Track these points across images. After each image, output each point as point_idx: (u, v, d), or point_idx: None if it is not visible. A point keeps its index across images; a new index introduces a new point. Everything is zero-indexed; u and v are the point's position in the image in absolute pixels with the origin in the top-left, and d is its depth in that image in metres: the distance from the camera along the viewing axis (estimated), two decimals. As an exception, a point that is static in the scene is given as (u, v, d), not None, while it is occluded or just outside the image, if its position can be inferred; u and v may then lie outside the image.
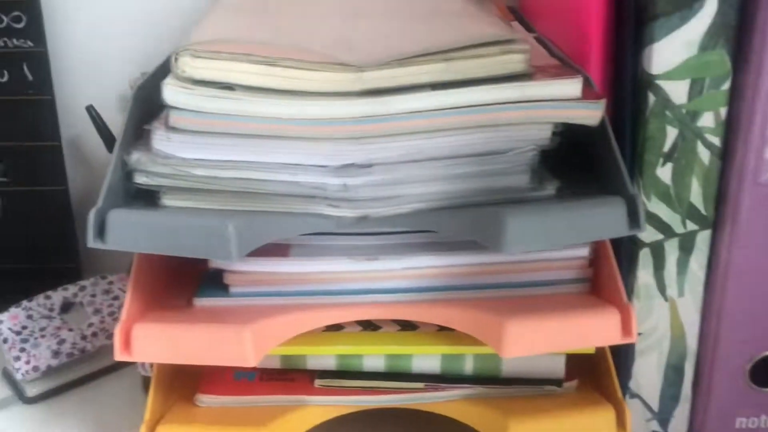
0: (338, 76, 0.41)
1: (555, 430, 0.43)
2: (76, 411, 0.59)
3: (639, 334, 0.50)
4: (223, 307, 0.44)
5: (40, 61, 0.70)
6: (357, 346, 0.45)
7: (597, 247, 0.44)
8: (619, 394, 0.44)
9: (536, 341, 0.40)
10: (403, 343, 0.45)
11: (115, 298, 0.65)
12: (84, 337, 0.62)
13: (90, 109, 0.69)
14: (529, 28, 0.56)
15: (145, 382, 0.59)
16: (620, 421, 0.44)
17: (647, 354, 0.50)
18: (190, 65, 0.40)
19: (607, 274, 0.43)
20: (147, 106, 0.45)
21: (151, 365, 0.58)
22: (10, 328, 0.60)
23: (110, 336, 0.63)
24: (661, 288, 0.48)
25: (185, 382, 0.48)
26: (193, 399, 0.46)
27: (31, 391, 0.60)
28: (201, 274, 0.47)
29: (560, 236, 0.39)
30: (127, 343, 0.40)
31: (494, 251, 0.38)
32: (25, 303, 0.63)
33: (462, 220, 0.41)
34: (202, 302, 0.45)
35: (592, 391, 0.46)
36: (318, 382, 0.47)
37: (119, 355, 0.40)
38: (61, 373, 0.61)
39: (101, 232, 0.39)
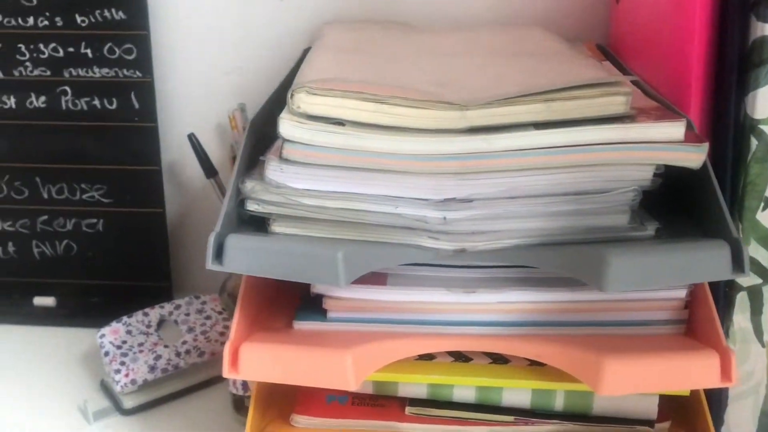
0: (443, 114, 0.43)
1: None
2: (169, 424, 0.62)
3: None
4: (322, 331, 0.46)
5: (146, 90, 0.74)
6: (449, 376, 0.46)
7: (694, 290, 0.44)
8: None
9: (634, 381, 0.40)
10: (494, 376, 0.46)
11: (208, 317, 0.68)
12: (178, 354, 0.64)
13: (191, 137, 0.72)
14: (622, 69, 0.56)
15: (235, 400, 0.61)
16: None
17: (742, 400, 0.49)
18: (305, 101, 0.42)
19: (704, 317, 0.43)
20: (257, 138, 0.48)
21: (243, 384, 0.60)
22: (111, 342, 0.64)
23: (202, 354, 0.66)
24: (758, 333, 0.47)
25: (280, 402, 0.50)
26: (289, 419, 0.48)
27: (128, 403, 0.63)
28: (300, 299, 0.49)
29: (662, 277, 0.39)
30: (234, 362, 0.42)
31: (595, 289, 0.39)
32: (125, 319, 0.66)
33: (563, 257, 0.42)
34: (301, 325, 0.47)
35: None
36: (409, 410, 0.48)
37: (227, 373, 0.43)
38: (156, 387, 0.64)
39: (218, 255, 0.41)
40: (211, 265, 0.41)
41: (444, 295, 0.45)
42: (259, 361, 0.42)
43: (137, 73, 0.74)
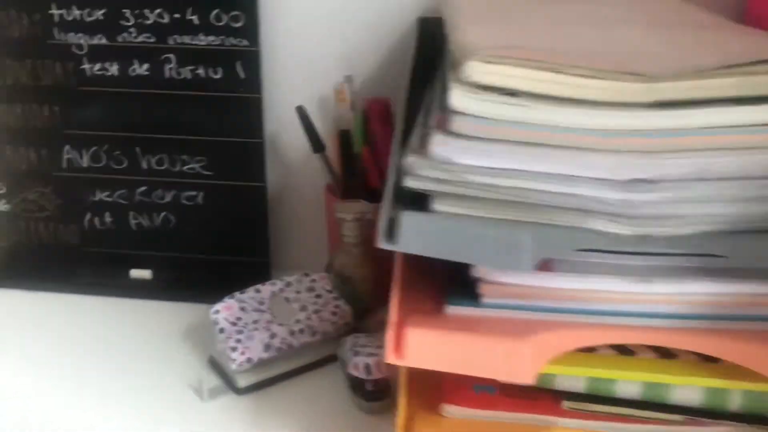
0: (628, 86, 0.39)
1: None
2: (283, 404, 0.60)
3: None
4: (479, 317, 0.43)
5: (253, 60, 0.72)
6: (614, 370, 0.43)
7: None
8: None
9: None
10: (663, 372, 0.43)
11: (318, 296, 0.66)
12: (292, 333, 0.62)
13: (301, 110, 0.70)
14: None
15: (354, 383, 0.59)
16: None
17: None
18: (479, 70, 0.39)
19: None
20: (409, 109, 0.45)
21: (366, 367, 0.58)
22: (226, 319, 0.62)
23: (314, 334, 0.64)
24: None
25: (423, 390, 0.47)
26: (437, 408, 0.45)
27: (242, 381, 0.61)
28: (447, 281, 0.46)
29: None
30: (399, 347, 0.40)
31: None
32: (237, 295, 0.64)
33: (758, 247, 0.38)
34: (454, 310, 0.44)
35: None
36: (567, 405, 0.45)
37: (392, 358, 0.40)
38: (268, 366, 0.62)
39: (390, 233, 0.38)
40: (384, 243, 0.38)
41: (617, 283, 0.42)
42: (427, 346, 0.39)
43: (244, 41, 0.71)
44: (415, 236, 0.38)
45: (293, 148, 0.77)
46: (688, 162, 0.39)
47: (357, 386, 0.59)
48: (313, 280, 0.67)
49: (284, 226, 0.79)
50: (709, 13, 0.53)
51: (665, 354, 0.44)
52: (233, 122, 0.73)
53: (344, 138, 0.71)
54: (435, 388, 0.47)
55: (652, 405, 0.44)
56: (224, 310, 0.63)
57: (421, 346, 0.39)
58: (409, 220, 0.38)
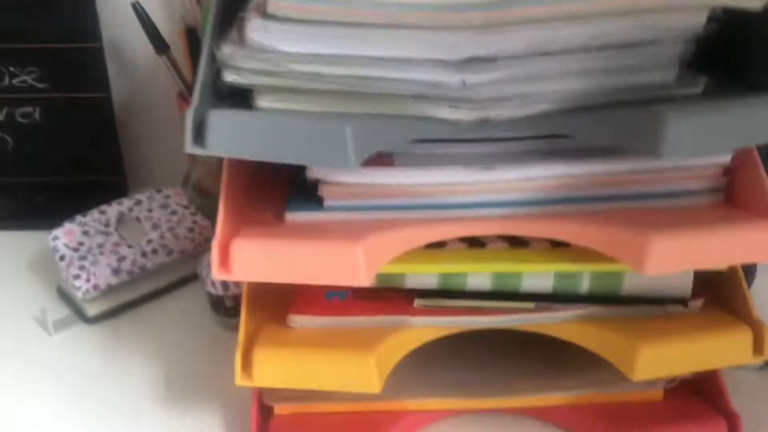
0: (459, -46, 0.35)
1: (689, 352, 0.40)
2: (139, 330, 0.56)
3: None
4: (320, 222, 0.40)
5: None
6: (463, 263, 0.41)
7: (741, 154, 0.39)
8: (755, 313, 0.41)
9: (681, 257, 0.36)
10: (513, 260, 0.41)
11: (173, 213, 0.61)
12: (144, 254, 0.58)
13: (136, 7, 0.62)
14: None
15: (213, 301, 0.56)
16: (758, 342, 0.40)
17: None
18: (291, -60, 0.34)
19: (753, 185, 0.38)
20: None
21: (223, 283, 0.55)
22: (66, 245, 0.57)
23: (170, 253, 0.59)
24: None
25: (272, 301, 0.44)
26: (285, 319, 0.43)
27: (92, 310, 0.57)
28: (289, 187, 0.43)
29: (726, 140, 0.34)
30: (225, 261, 0.36)
31: (650, 157, 0.33)
32: (79, 218, 0.59)
33: (605, 123, 0.36)
34: (294, 216, 0.41)
35: (720, 312, 0.42)
36: (419, 303, 0.43)
37: (217, 274, 0.37)
38: (121, 291, 0.58)
39: (199, 135, 0.34)
40: (191, 147, 0.34)
41: (460, 174, 0.39)
42: (254, 258, 0.36)
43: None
44: (226, 137, 0.33)
45: (139, 54, 0.69)
46: (530, 35, 0.36)
47: (217, 304, 0.56)
48: (167, 196, 0.62)
49: (137, 140, 0.73)
50: None
51: (517, 243, 0.42)
52: (65, 26, 0.65)
53: (191, 36, 0.65)
54: (287, 301, 0.44)
55: (503, 295, 0.43)
56: (63, 235, 0.57)
57: (248, 257, 0.36)
58: (217, 119, 0.33)
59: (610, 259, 0.41)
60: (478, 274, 0.42)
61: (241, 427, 0.45)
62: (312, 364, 0.39)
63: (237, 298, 0.55)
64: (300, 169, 0.40)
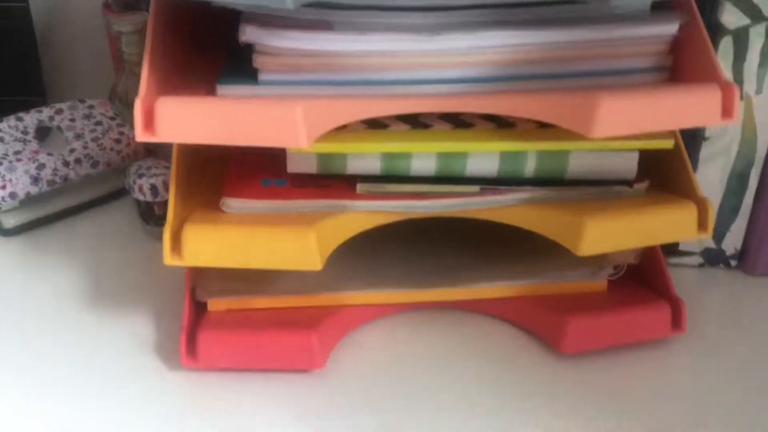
0: None
1: (635, 226, 0.39)
2: (62, 244, 0.53)
3: (706, 138, 0.46)
4: (255, 96, 0.38)
5: None
6: (407, 143, 0.40)
7: (686, 28, 0.38)
8: (700, 191, 0.40)
9: (631, 119, 0.35)
10: (458, 141, 0.40)
11: (98, 123, 0.57)
12: (66, 164, 0.54)
13: None
14: None
15: (142, 209, 0.53)
16: (702, 218, 0.40)
17: (713, 161, 0.46)
18: None
19: (700, 56, 0.38)
20: None
21: (152, 189, 0.52)
22: (-22, 150, 0.52)
23: (95, 164, 0.56)
24: (739, 82, 0.43)
25: (204, 191, 0.42)
26: (218, 205, 0.40)
27: (9, 222, 0.53)
28: (224, 61, 0.40)
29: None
30: (149, 121, 0.33)
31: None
32: (-7, 124, 0.54)
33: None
34: (227, 90, 0.38)
35: (665, 193, 0.42)
36: (360, 187, 0.41)
37: (141, 136, 0.34)
38: (42, 203, 0.54)
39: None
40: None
41: (404, 41, 0.37)
42: (182, 117, 0.33)
43: None
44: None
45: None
46: None
47: (146, 212, 0.53)
48: (91, 107, 0.58)
49: (59, 55, 0.68)
50: None
51: (461, 125, 0.41)
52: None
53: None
54: (220, 188, 0.41)
55: (448, 180, 0.41)
56: (-24, 140, 0.53)
57: (175, 115, 0.33)
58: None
59: (555, 138, 0.40)
60: (423, 157, 0.41)
61: (175, 328, 0.43)
62: (247, 240, 0.37)
63: (166, 205, 0.52)
64: (236, 43, 0.37)
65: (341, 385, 0.41)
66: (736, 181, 0.46)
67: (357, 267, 0.45)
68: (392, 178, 0.41)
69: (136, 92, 0.61)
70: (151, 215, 0.52)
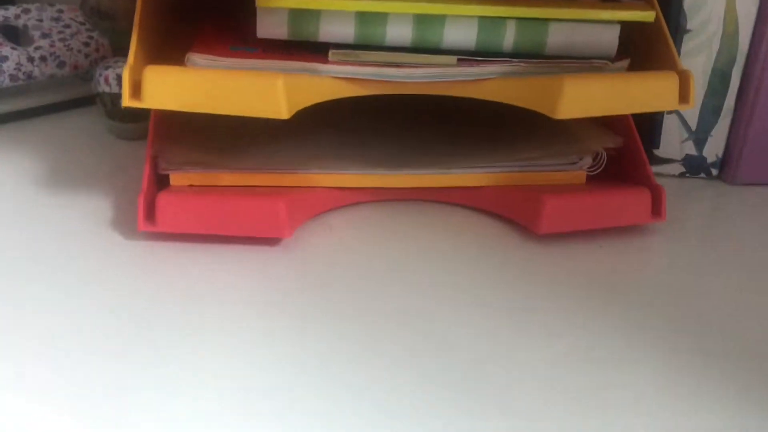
0: None
1: (614, 92, 0.38)
2: (19, 141, 0.50)
3: (688, 31, 0.45)
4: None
5: None
6: (383, 2, 0.38)
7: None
8: (681, 64, 0.39)
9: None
10: (435, 2, 0.39)
11: (67, 26, 0.55)
12: (31, 59, 0.52)
13: None
14: None
15: (107, 104, 0.50)
16: (683, 90, 0.38)
17: (693, 56, 0.45)
18: None
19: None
20: None
21: (117, 79, 0.50)
22: (-62, 37, 0.50)
23: (62, 65, 0.54)
24: (721, -33, 0.43)
25: (169, 52, 0.40)
26: (184, 61, 0.38)
27: (-33, 115, 0.51)
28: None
29: None
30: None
31: None
32: (-45, 15, 0.52)
33: None
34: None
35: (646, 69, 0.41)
36: (333, 54, 0.39)
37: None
38: (4, 99, 0.52)
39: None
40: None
41: None
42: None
43: None
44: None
45: None
46: None
47: (112, 108, 0.51)
48: (60, 11, 0.57)
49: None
50: None
51: (439, -7, 0.39)
52: None
53: None
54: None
55: (425, 51, 0.40)
56: (-64, 27, 0.51)
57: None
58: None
59: (536, 4, 0.39)
60: (398, 23, 0.39)
61: (134, 209, 0.41)
62: (212, 81, 0.35)
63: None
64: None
65: (308, 261, 0.39)
66: (718, 80, 0.46)
67: (328, 149, 0.44)
68: (366, 47, 0.40)
69: (107, 1, 0.60)
70: (117, 111, 0.50)
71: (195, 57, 0.38)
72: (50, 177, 0.46)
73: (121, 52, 0.56)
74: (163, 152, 0.41)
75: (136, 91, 0.35)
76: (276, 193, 0.39)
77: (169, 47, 0.41)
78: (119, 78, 0.49)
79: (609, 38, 0.40)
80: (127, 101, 0.35)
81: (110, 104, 0.50)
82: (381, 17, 0.39)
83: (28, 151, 0.49)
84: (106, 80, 0.49)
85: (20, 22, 0.54)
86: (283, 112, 0.36)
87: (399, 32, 0.39)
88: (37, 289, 0.35)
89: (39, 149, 0.49)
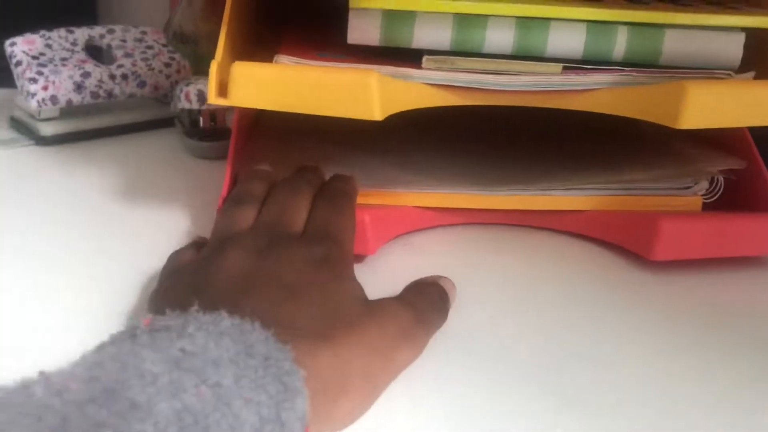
0: None
1: (744, 102, 0.34)
2: (96, 159, 0.49)
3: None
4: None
5: None
6: (484, 3, 0.36)
7: None
8: None
9: None
10: (541, 3, 0.36)
11: (149, 47, 0.55)
12: (113, 77, 0.51)
13: None
14: None
15: (186, 123, 0.49)
16: None
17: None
18: None
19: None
20: None
21: (198, 95, 0.49)
22: (25, 52, 0.50)
23: (143, 84, 0.53)
24: None
25: (256, 49, 0.38)
26: (272, 60, 0.36)
27: (47, 130, 0.50)
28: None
29: None
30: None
31: None
32: (43, 31, 0.52)
33: None
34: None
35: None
36: (427, 60, 0.37)
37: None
38: (83, 116, 0.51)
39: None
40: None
41: None
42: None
43: None
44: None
45: None
46: None
47: (191, 125, 0.49)
48: (143, 32, 0.56)
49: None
50: None
51: (544, -1, 0.37)
52: None
53: None
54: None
55: (526, 58, 0.37)
56: (24, 43, 0.51)
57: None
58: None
59: (650, 8, 0.36)
60: (499, 28, 0.36)
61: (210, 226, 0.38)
62: (302, 80, 0.33)
63: (213, 114, 0.49)
64: None
65: (382, 273, 0.35)
66: None
67: (420, 166, 0.41)
68: (465, 54, 0.37)
69: (190, 26, 0.59)
70: (196, 129, 0.49)
71: (283, 58, 0.36)
72: (126, 195, 0.44)
73: (201, 74, 0.56)
74: (244, 166, 0.39)
75: (223, 89, 0.33)
76: (361, 209, 0.37)
77: (255, 51, 0.39)
78: (200, 94, 0.48)
79: (733, 47, 0.36)
80: (212, 98, 0.33)
81: (189, 122, 0.49)
82: (481, 20, 0.36)
83: (106, 168, 0.48)
84: (187, 96, 0.48)
85: (104, 42, 0.54)
86: (376, 113, 0.33)
87: (499, 37, 0.37)
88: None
89: (118, 167, 0.48)
